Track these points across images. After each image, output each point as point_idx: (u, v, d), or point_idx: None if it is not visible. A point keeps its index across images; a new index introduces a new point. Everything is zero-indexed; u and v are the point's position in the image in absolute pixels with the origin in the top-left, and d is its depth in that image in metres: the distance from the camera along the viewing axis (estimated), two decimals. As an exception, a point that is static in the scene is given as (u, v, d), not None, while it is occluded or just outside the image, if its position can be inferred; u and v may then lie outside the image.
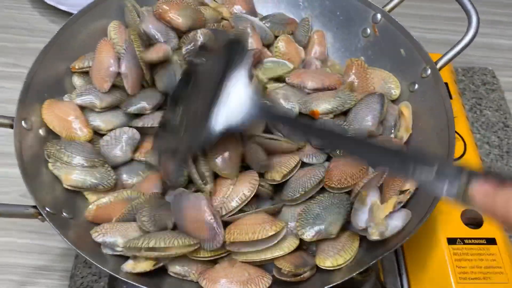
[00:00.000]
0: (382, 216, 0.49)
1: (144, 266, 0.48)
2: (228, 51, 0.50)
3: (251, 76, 0.51)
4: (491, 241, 0.56)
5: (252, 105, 0.47)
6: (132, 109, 0.57)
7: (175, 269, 0.49)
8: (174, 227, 0.50)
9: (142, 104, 0.57)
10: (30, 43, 0.83)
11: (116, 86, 0.59)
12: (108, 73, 0.57)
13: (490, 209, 0.33)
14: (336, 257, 0.49)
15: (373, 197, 0.51)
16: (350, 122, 0.57)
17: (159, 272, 0.49)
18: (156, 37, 0.59)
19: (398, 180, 0.52)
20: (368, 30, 0.65)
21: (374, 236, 0.48)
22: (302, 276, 0.48)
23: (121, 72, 0.58)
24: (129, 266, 0.48)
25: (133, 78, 0.58)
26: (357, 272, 0.46)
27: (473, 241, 0.56)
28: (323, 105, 0.57)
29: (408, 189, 0.52)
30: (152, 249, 0.47)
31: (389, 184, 0.53)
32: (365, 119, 0.56)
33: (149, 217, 0.50)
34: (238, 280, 0.47)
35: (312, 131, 0.48)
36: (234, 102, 0.47)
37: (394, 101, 0.61)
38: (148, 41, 0.60)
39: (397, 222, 0.50)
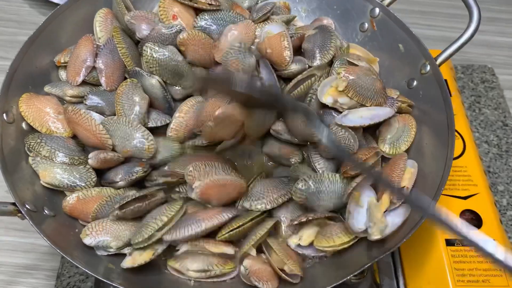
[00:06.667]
0: (380, 214, 0.48)
1: (144, 257, 0.47)
2: None
3: None
4: (491, 243, 0.54)
5: None
6: (88, 102, 0.55)
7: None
8: None
9: (98, 101, 0.55)
10: (19, 35, 0.81)
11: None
12: (82, 67, 0.56)
13: None
14: (329, 240, 0.49)
15: (368, 196, 0.49)
16: None
17: (155, 271, 0.49)
18: None
19: (395, 177, 0.51)
20: (366, 25, 0.64)
21: (375, 235, 0.47)
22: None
23: (96, 66, 0.56)
24: (129, 262, 0.47)
25: (109, 73, 0.56)
26: (353, 274, 0.45)
27: (472, 242, 0.54)
28: None
29: (405, 186, 0.50)
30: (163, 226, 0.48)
31: None
32: None
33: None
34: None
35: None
36: None
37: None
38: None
39: (397, 218, 0.48)
